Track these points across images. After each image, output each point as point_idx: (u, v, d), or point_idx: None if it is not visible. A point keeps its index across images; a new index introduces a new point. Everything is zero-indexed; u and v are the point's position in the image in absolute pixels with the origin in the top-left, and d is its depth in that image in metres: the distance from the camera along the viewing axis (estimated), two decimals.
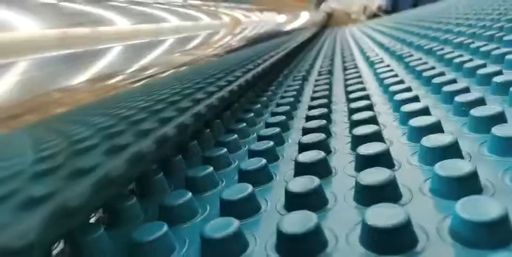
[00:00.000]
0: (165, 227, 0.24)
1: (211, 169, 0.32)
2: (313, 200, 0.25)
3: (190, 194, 0.28)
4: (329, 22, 3.48)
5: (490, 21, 0.78)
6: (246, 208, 0.26)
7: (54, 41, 0.20)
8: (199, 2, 0.63)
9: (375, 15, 3.68)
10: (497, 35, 0.61)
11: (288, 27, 1.09)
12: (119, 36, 0.28)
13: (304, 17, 1.63)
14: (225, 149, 0.36)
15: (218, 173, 0.33)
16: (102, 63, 0.24)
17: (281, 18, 1.07)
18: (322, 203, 0.26)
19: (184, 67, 0.36)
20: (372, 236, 0.20)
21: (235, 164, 0.35)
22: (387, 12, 3.68)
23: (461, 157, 0.28)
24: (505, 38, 0.57)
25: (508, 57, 0.47)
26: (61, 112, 0.19)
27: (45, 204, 0.18)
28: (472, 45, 0.59)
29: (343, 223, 0.23)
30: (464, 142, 0.30)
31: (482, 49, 0.55)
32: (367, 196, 0.25)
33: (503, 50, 0.51)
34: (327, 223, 0.24)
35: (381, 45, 0.92)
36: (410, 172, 0.28)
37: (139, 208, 0.28)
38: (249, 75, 0.53)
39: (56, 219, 0.19)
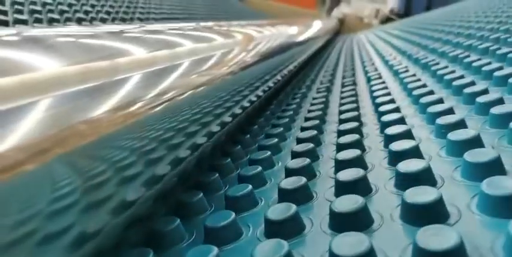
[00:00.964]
0: (151, 255, 0.26)
1: (201, 194, 0.34)
2: (289, 228, 0.27)
3: (178, 220, 0.30)
4: (341, 28, 3.47)
5: (489, 32, 0.78)
6: (227, 235, 0.28)
7: (76, 76, 0.23)
8: (211, 24, 0.65)
9: (388, 19, 3.66)
10: (492, 48, 0.62)
11: (299, 39, 1.10)
12: (137, 65, 0.30)
13: (315, 28, 1.64)
14: (217, 174, 0.38)
15: (208, 198, 0.35)
16: (123, 92, 0.26)
17: (291, 31, 1.08)
18: (299, 229, 0.27)
19: (195, 90, 0.37)
20: None
21: (226, 188, 0.37)
22: (400, 15, 3.66)
23: (434, 183, 0.29)
24: (498, 52, 0.58)
25: (496, 74, 0.47)
26: (88, 143, 0.21)
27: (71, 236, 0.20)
28: (465, 60, 0.60)
29: (315, 250, 0.25)
30: (440, 165, 0.31)
31: (474, 64, 0.56)
32: (340, 222, 0.26)
33: (494, 65, 0.52)
34: (300, 249, 0.25)
35: (382, 58, 0.93)
36: (384, 198, 0.29)
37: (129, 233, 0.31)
38: (256, 98, 0.55)
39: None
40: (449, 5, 2.11)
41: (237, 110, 0.48)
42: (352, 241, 0.22)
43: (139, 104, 0.27)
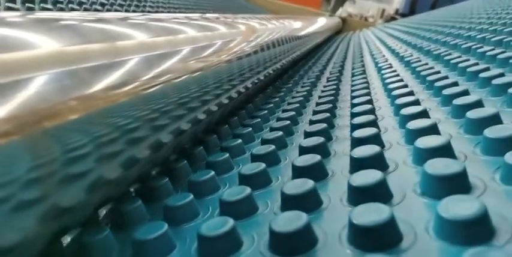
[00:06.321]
0: (107, 232, 0.27)
1: (166, 179, 0.35)
2: (242, 208, 0.28)
3: (140, 201, 0.31)
4: (345, 27, 3.47)
5: (477, 32, 0.79)
6: (184, 214, 0.29)
7: (77, 55, 0.24)
8: (216, 15, 0.66)
9: (392, 19, 3.64)
10: (474, 46, 0.63)
11: (298, 34, 1.11)
12: (138, 49, 0.31)
13: (315, 25, 1.65)
14: (185, 161, 0.39)
15: (175, 183, 0.37)
16: (121, 72, 0.27)
17: (292, 26, 1.08)
18: (252, 210, 0.28)
19: (195, 75, 0.39)
20: (274, 241, 0.23)
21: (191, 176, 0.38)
22: (404, 15, 3.64)
23: (386, 167, 0.30)
24: (479, 50, 0.59)
25: (469, 69, 0.48)
26: (79, 117, 0.22)
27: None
28: (446, 57, 0.61)
29: (264, 229, 0.26)
30: (398, 152, 0.32)
31: (453, 61, 0.57)
32: (290, 204, 0.27)
33: (471, 62, 0.53)
34: (249, 228, 0.26)
35: (371, 55, 0.94)
36: (338, 182, 0.30)
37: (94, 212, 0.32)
38: (244, 90, 0.56)
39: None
40: (453, 5, 2.11)
41: (224, 100, 0.49)
42: (291, 218, 0.23)
43: (128, 87, 0.28)
